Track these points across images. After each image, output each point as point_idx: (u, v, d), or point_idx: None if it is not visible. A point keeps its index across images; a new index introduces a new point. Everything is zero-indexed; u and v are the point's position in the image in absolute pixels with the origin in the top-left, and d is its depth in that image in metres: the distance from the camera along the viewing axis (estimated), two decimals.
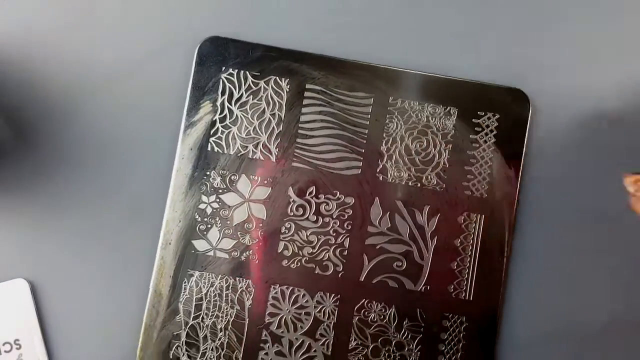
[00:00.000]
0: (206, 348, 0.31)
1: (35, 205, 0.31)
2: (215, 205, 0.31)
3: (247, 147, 0.31)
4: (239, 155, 0.31)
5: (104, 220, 0.32)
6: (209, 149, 0.31)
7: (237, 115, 0.31)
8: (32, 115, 0.32)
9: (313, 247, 0.31)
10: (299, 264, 0.31)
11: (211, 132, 0.31)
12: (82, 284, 0.31)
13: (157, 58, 0.32)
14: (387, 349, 0.31)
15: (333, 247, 0.31)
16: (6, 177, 0.31)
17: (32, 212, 0.31)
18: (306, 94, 0.32)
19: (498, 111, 0.32)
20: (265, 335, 0.31)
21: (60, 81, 0.32)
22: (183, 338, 0.31)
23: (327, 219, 0.31)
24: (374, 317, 0.31)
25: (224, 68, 0.31)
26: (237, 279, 0.31)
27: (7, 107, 0.31)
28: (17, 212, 0.32)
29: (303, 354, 0.31)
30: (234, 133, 0.31)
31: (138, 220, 0.32)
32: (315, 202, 0.31)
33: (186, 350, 0.31)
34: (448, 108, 0.32)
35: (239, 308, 0.31)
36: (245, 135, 0.31)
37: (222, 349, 0.31)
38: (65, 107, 0.32)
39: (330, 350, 0.31)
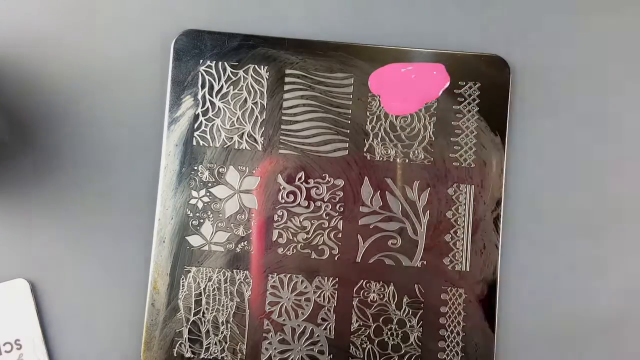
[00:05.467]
0: (209, 343, 0.31)
1: (35, 205, 0.31)
2: (206, 199, 0.31)
3: (232, 138, 0.31)
4: (224, 147, 0.31)
5: (103, 220, 0.32)
6: (194, 143, 0.31)
7: (219, 107, 0.31)
8: (31, 115, 0.31)
9: (307, 233, 0.31)
10: (295, 250, 0.31)
11: (195, 126, 0.31)
12: (82, 284, 0.31)
13: (134, 57, 0.32)
14: (389, 327, 0.31)
15: (327, 230, 0.31)
16: (6, 177, 0.31)
17: (32, 212, 0.31)
18: (286, 79, 0.31)
19: (479, 79, 0.31)
20: (267, 324, 0.31)
21: (57, 81, 0.32)
22: (185, 335, 0.31)
23: (318, 203, 0.31)
24: (374, 297, 0.31)
25: (201, 61, 0.31)
26: (235, 271, 0.31)
27: (6, 107, 0.31)
28: (17, 212, 0.31)
29: (306, 339, 0.31)
30: (217, 125, 0.31)
31: (135, 219, 0.32)
32: (305, 187, 0.31)
33: (189, 346, 0.31)
34: None
35: (238, 300, 0.31)
36: (230, 127, 0.31)
37: (226, 342, 0.31)
38: (66, 106, 0.32)
39: (333, 333, 0.31)
